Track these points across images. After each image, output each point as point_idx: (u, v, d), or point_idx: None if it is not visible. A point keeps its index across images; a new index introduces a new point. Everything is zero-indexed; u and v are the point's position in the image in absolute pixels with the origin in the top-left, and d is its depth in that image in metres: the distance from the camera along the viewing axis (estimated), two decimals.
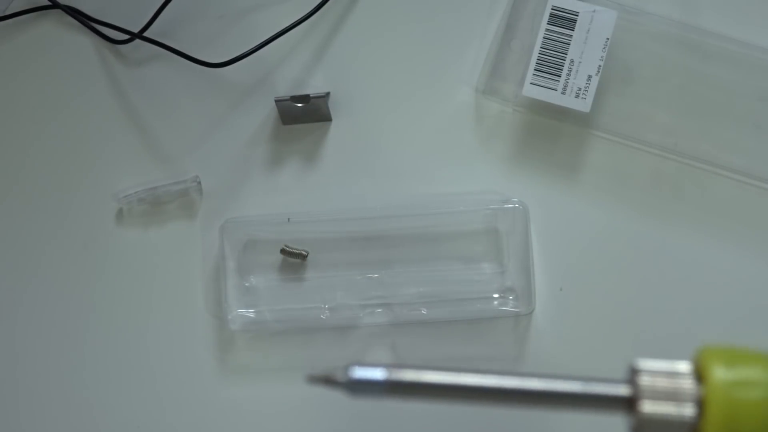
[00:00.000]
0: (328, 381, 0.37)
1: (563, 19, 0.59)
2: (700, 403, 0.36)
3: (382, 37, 0.63)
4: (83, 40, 0.64)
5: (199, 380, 0.62)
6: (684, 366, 0.37)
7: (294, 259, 0.61)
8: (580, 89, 0.58)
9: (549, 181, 0.61)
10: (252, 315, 0.61)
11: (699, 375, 0.37)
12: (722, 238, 0.60)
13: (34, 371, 0.63)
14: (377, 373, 0.36)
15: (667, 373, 0.37)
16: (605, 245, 0.60)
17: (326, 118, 0.62)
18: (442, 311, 0.60)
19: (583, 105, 0.59)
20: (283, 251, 0.61)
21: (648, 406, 0.36)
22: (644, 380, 0.36)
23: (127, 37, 0.63)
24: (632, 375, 0.37)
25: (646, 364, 0.37)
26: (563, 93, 0.59)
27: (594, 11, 0.58)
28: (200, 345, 0.62)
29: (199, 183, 0.63)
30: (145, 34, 0.63)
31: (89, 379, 0.62)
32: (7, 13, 0.64)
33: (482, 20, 0.62)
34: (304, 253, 0.61)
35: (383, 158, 0.62)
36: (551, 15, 0.59)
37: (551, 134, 0.61)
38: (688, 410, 0.36)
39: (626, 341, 0.60)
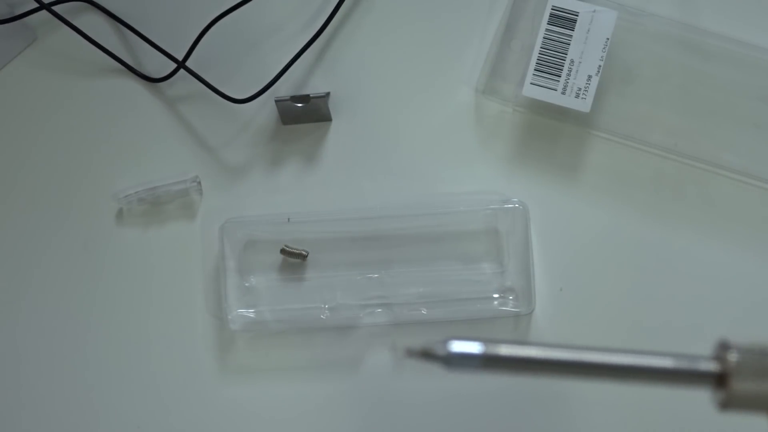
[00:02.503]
0: (426, 355, 0.38)
1: (563, 19, 0.59)
2: None
3: (383, 38, 0.63)
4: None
5: (199, 380, 0.62)
6: None
7: (294, 259, 0.61)
8: (580, 89, 0.58)
9: (549, 181, 0.61)
10: (252, 315, 0.61)
11: None
12: (722, 238, 0.60)
13: (34, 371, 0.62)
14: (474, 347, 0.37)
15: (756, 352, 0.37)
16: (605, 245, 0.60)
17: (326, 118, 0.62)
18: (442, 311, 0.60)
19: (583, 105, 0.59)
20: (283, 251, 0.61)
21: (737, 383, 0.36)
22: (733, 357, 0.37)
23: (169, 70, 0.63)
24: (721, 351, 0.37)
25: (736, 341, 0.37)
26: (563, 93, 0.59)
27: (594, 11, 0.58)
28: (200, 345, 0.62)
29: (199, 183, 0.62)
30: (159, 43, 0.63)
31: (89, 379, 0.62)
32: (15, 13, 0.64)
33: (482, 20, 0.62)
34: (304, 253, 0.61)
35: (383, 158, 0.62)
36: (551, 15, 0.59)
37: (551, 134, 0.61)
38: None
39: (626, 341, 0.59)
